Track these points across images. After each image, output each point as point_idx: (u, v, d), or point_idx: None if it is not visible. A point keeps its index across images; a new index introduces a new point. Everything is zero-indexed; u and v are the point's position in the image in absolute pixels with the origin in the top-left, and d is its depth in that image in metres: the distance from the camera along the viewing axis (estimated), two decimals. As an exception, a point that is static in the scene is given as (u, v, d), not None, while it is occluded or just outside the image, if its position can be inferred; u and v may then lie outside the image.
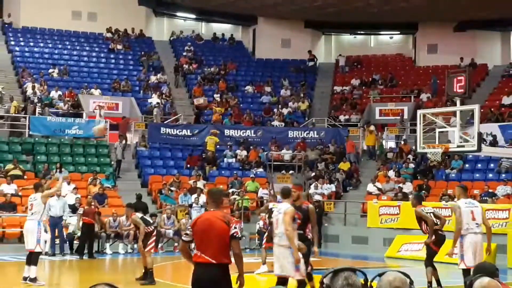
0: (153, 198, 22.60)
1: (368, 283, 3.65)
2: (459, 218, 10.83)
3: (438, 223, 11.86)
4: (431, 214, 11.95)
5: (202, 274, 6.24)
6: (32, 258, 12.35)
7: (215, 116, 28.35)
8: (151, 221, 13.64)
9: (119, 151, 24.34)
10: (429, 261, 11.80)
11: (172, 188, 22.50)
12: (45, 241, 15.36)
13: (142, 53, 33.00)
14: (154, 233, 13.09)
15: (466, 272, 10.60)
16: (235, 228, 6.31)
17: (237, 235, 6.31)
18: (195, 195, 21.71)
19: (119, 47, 33.33)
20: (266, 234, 14.24)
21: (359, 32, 36.66)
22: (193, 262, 6.35)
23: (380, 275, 3.59)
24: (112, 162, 24.58)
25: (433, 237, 11.68)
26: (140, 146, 25.80)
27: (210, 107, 29.37)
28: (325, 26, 35.71)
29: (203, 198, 21.74)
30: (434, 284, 11.79)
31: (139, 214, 13.30)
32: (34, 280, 12.34)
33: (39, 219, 12.43)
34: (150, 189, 23.33)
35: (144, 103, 28.83)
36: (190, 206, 21.48)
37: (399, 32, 36.28)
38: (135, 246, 19.07)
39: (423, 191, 22.37)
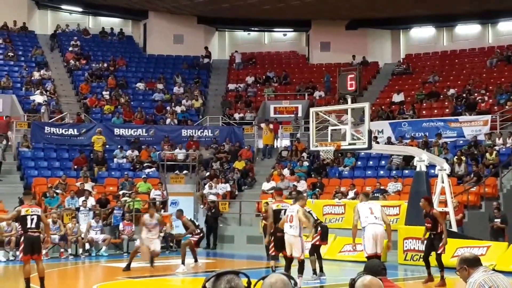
0: (37, 202, 20.77)
1: (252, 286, 3.63)
2: (355, 216, 12.83)
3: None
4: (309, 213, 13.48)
5: None
6: None
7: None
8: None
9: (-1, 152, 23.14)
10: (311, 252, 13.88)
11: (58, 191, 21.56)
12: None
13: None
14: (22, 239, 12.16)
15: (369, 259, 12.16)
16: None
17: None
18: (82, 198, 20.88)
19: (-1, 41, 31.46)
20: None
21: (252, 28, 36.33)
22: None
23: (263, 278, 3.63)
24: (-8, 164, 23.18)
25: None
26: (23, 147, 24.50)
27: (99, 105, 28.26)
28: (218, 22, 35.17)
29: (91, 201, 20.99)
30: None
31: (24, 210, 12.20)
32: None
33: None
34: (33, 192, 21.98)
35: (26, 100, 27.35)
36: (78, 209, 20.66)
37: (292, 29, 36.09)
38: (17, 253, 17.77)
39: (317, 189, 22.57)
